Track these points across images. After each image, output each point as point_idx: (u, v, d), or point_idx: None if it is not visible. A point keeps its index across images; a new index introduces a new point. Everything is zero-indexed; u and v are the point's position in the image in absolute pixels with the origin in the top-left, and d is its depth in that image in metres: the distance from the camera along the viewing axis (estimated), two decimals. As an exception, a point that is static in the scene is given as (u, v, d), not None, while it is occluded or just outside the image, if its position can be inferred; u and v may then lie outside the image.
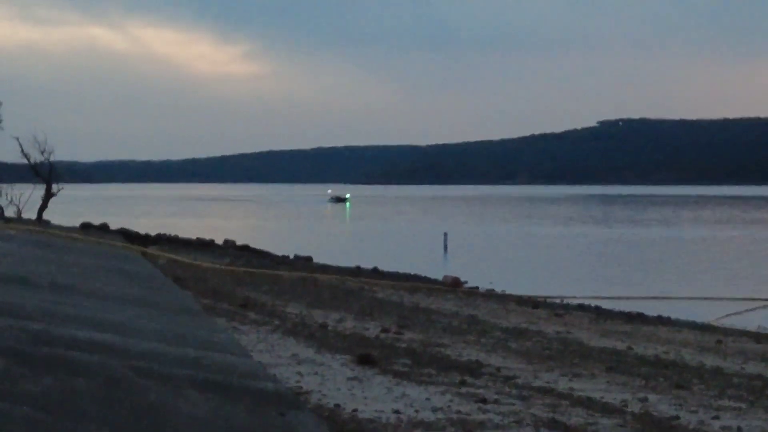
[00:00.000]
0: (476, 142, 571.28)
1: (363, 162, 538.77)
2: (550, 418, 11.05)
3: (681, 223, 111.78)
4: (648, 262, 59.81)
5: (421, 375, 13.84)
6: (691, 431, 10.99)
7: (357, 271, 41.78)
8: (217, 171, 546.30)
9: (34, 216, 54.85)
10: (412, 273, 42.90)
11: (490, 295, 35.28)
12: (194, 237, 55.10)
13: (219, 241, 54.18)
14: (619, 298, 36.89)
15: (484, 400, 11.97)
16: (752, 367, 18.43)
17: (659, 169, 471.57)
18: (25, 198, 55.29)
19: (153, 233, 55.85)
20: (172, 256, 38.54)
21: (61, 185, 57.89)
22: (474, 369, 15.10)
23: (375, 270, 43.65)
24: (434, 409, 11.20)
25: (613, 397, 13.27)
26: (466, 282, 38.50)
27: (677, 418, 11.82)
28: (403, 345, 17.64)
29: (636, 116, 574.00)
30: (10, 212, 53.63)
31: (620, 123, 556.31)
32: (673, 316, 30.84)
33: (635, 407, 12.48)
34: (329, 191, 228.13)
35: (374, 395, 11.94)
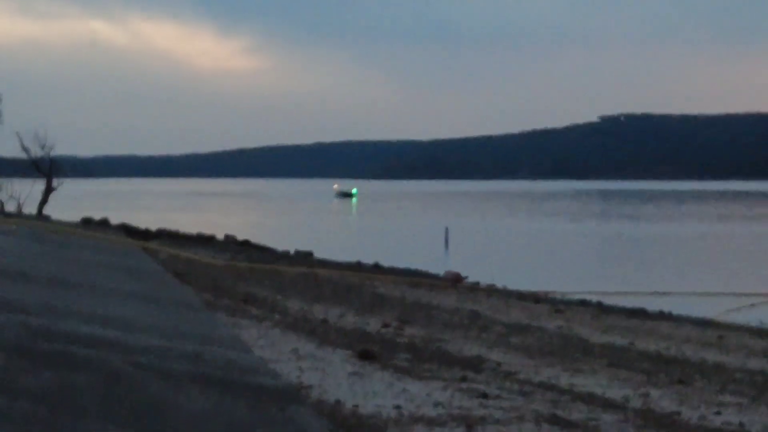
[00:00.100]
0: (477, 138, 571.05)
1: (363, 157, 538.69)
2: (552, 413, 11.03)
3: (682, 219, 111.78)
4: (649, 257, 59.81)
5: (422, 370, 13.82)
6: (693, 427, 10.97)
7: (358, 267, 41.76)
8: (218, 166, 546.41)
9: (34, 211, 54.88)
10: (413, 268, 42.86)
11: (492, 290, 35.26)
12: (195, 232, 55.08)
13: (220, 236, 54.17)
14: (620, 293, 36.86)
15: (485, 396, 11.95)
16: (754, 363, 18.42)
17: (661, 164, 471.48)
18: (26, 193, 55.32)
19: (154, 228, 55.78)
20: (173, 251, 38.53)
21: (61, 180, 57.97)
22: (475, 364, 15.09)
23: (376, 265, 43.64)
24: (435, 405, 11.18)
25: (615, 392, 13.26)
26: (467, 277, 38.44)
27: (679, 413, 11.81)
28: (404, 340, 17.63)
29: (637, 111, 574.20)
30: (10, 207, 53.66)
31: (621, 118, 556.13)
32: (675, 311, 30.80)
33: (637, 403, 12.47)
34: (335, 186, 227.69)
35: (375, 390, 11.92)
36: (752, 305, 34.53)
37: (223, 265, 34.87)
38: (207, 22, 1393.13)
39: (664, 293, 37.90)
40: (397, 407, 10.87)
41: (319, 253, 49.47)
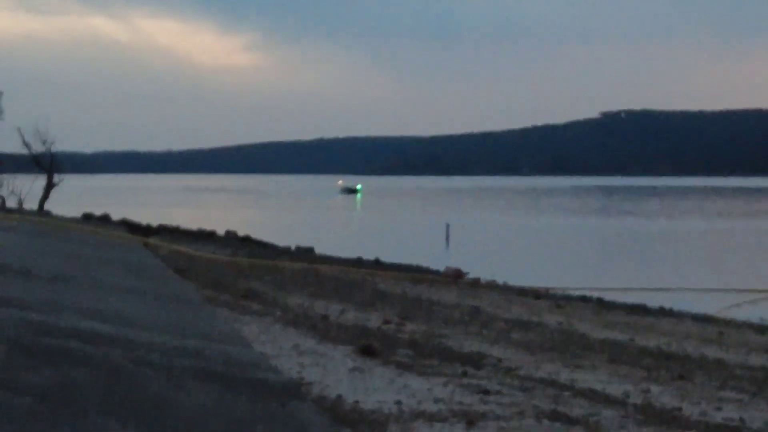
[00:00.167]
0: (478, 134, 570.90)
1: (364, 153, 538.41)
2: (552, 409, 11.04)
3: (683, 215, 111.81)
4: (650, 253, 59.83)
5: (423, 366, 13.83)
6: (693, 422, 10.98)
7: (358, 263, 41.77)
8: (219, 162, 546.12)
9: (35, 206, 54.90)
10: (414, 264, 42.88)
11: (492, 286, 35.27)
12: (196, 228, 55.09)
13: (221, 232, 54.18)
14: (620, 289, 36.88)
15: (486, 392, 11.96)
16: (754, 359, 18.44)
17: (661, 160, 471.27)
18: (27, 189, 55.37)
19: (155, 224, 55.78)
20: (174, 246, 38.54)
21: (62, 176, 58.00)
22: (476, 360, 15.10)
23: (377, 261, 43.66)
24: (436, 400, 11.19)
25: (615, 388, 13.27)
26: (468, 273, 38.47)
27: (679, 409, 11.82)
28: (405, 336, 17.64)
29: (638, 107, 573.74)
30: (11, 203, 53.71)
31: (622, 114, 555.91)
32: (675, 307, 30.82)
33: (637, 398, 12.48)
34: (340, 182, 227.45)
35: (376, 386, 11.93)
36: (753, 301, 34.56)
37: (224, 260, 34.87)
38: (208, 19, 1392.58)
39: (665, 289, 37.92)
40: (398, 403, 10.88)
41: (323, 249, 49.49)
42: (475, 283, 36.03)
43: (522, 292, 32.37)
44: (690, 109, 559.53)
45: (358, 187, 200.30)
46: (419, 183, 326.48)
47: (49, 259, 23.02)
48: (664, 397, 12.77)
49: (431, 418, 10.21)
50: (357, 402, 10.78)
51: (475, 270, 40.47)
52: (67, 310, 13.95)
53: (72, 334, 11.57)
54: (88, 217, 54.50)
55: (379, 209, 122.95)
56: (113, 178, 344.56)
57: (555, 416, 10.62)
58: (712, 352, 18.93)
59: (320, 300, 23.52)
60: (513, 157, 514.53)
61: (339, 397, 10.99)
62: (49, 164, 57.23)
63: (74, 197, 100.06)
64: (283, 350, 14.41)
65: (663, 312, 29.33)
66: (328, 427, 9.09)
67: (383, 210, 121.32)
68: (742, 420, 11.32)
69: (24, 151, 57.37)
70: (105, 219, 54.46)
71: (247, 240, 51.33)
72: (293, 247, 50.20)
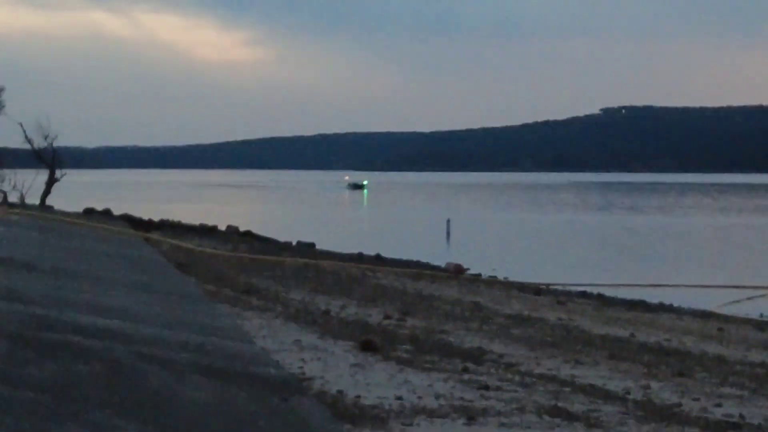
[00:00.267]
0: (479, 129, 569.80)
1: (365, 149, 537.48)
2: (553, 405, 11.07)
3: (683, 211, 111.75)
4: (650, 249, 59.81)
5: (424, 362, 13.86)
6: (693, 419, 11.00)
7: (359, 258, 41.79)
8: (220, 157, 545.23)
9: (37, 201, 54.89)
10: (415, 260, 42.90)
11: (493, 281, 35.30)
12: (197, 223, 55.10)
13: (223, 226, 54.19)
14: (621, 285, 36.87)
15: (486, 387, 11.99)
16: (754, 355, 18.45)
17: (662, 156, 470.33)
18: (29, 183, 55.34)
19: (156, 219, 55.81)
20: (176, 241, 38.57)
21: (64, 171, 57.96)
22: (476, 356, 15.12)
23: (377, 257, 43.68)
24: (437, 396, 11.22)
25: (616, 384, 13.29)
26: (468, 269, 38.49)
27: (679, 405, 11.84)
28: (406, 332, 17.66)
29: (639, 104, 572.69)
30: (13, 198, 53.69)
31: (623, 110, 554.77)
32: (675, 303, 30.85)
33: (637, 394, 12.50)
34: (346, 178, 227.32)
35: (377, 381, 11.96)
36: (752, 297, 34.55)
37: (225, 256, 34.90)
38: (209, 14, 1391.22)
39: (665, 285, 37.89)
40: (399, 398, 10.91)
41: (325, 245, 49.52)
42: (476, 278, 36.06)
43: (522, 288, 32.38)
44: (691, 105, 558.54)
45: (365, 182, 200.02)
46: (420, 179, 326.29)
47: (51, 254, 23.06)
48: (664, 393, 12.79)
49: (432, 413, 10.24)
50: (358, 397, 10.81)
51: (475, 266, 40.49)
52: (69, 304, 13.99)
53: (74, 328, 11.60)
54: (89, 212, 54.53)
55: (386, 205, 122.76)
56: (115, 173, 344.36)
57: (555, 412, 10.66)
58: (712, 349, 18.95)
59: (321, 295, 23.54)
60: (514, 152, 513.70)
61: (340, 392, 11.03)
62: (50, 159, 57.18)
63: (76, 192, 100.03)
64: (284, 345, 14.45)
65: (663, 308, 29.36)
66: (329, 422, 9.12)
67: (390, 205, 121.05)
68: (742, 416, 11.34)
69: (26, 146, 57.32)
70: (107, 214, 54.48)
71: (248, 235, 51.33)
72: (294, 243, 50.25)
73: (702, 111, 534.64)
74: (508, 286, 33.57)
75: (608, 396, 12.17)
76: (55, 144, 57.42)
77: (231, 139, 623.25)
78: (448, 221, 67.26)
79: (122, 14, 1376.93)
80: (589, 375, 13.98)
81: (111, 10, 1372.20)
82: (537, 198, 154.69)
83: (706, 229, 78.69)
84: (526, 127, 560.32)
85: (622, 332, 20.94)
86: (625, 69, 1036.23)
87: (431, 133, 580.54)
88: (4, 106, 57.50)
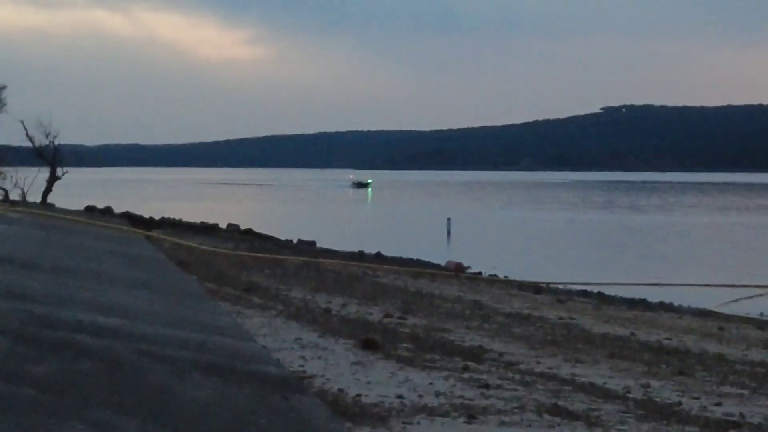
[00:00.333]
0: (480, 128, 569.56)
1: (366, 147, 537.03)
2: (553, 403, 11.08)
3: (683, 210, 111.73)
4: (650, 248, 59.81)
5: (425, 360, 13.87)
6: (694, 417, 11.01)
7: (360, 256, 41.82)
8: (221, 155, 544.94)
9: (38, 199, 54.96)
10: (415, 258, 42.93)
11: (493, 280, 35.32)
12: (198, 221, 55.16)
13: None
14: (621, 284, 36.89)
15: (486, 386, 12.00)
16: (754, 354, 18.46)
17: (663, 155, 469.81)
18: (30, 181, 55.44)
19: (157, 217, 55.87)
20: (176, 239, 38.60)
21: (65, 168, 58.03)
22: (477, 354, 15.14)
23: (378, 255, 43.72)
24: (437, 394, 11.23)
25: (616, 383, 13.30)
26: (469, 267, 38.52)
27: (679, 404, 11.85)
28: (407, 330, 17.68)
29: (640, 103, 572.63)
30: (14, 195, 53.75)
31: (624, 109, 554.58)
32: (676, 302, 30.88)
33: (637, 393, 12.52)
34: (351, 176, 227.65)
35: (378, 380, 11.97)
36: (753, 296, 34.55)
37: (226, 254, 34.92)
38: (210, 12, 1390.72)
39: (665, 284, 37.91)
40: (400, 397, 10.92)
41: (326, 243, 49.57)
42: (476, 277, 36.09)
43: (523, 287, 32.40)
44: (691, 104, 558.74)
45: (369, 181, 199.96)
46: (421, 177, 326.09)
47: (52, 252, 23.07)
48: (664, 392, 12.80)
49: (432, 412, 10.25)
50: (359, 395, 10.82)
51: (476, 264, 40.51)
52: (70, 302, 14.01)
53: (75, 326, 11.62)
54: (90, 210, 54.56)
55: (390, 204, 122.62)
56: (116, 171, 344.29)
57: (556, 411, 10.66)
58: (712, 348, 18.96)
59: (322, 293, 23.57)
60: (514, 151, 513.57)
61: (341, 390, 11.04)
62: (52, 157, 57.27)
63: (77, 190, 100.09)
64: (285, 343, 14.46)
65: (663, 307, 29.38)
66: (330, 420, 9.13)
67: (395, 204, 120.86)
68: (742, 415, 11.34)
69: (27, 144, 57.45)
70: (107, 212, 54.51)
71: (249, 233, 51.38)
72: (295, 241, 50.28)
73: (702, 110, 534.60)
74: (509, 284, 33.60)
75: (608, 395, 12.18)
76: (57, 142, 57.56)
77: (231, 137, 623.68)
78: (449, 220, 67.26)
79: (123, 13, 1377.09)
80: (590, 374, 14.00)
81: (112, 9, 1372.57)
82: (537, 197, 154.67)
83: (707, 228, 78.68)
84: (526, 126, 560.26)
85: (623, 331, 20.95)
86: (625, 68, 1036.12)
87: (432, 131, 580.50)
88: (5, 104, 57.63)
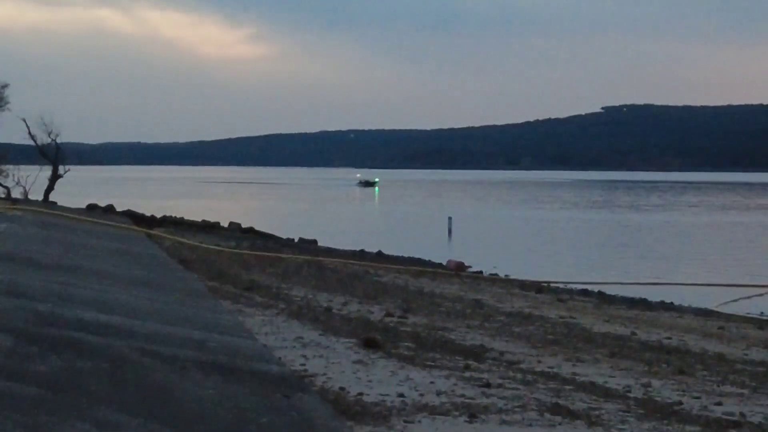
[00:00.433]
0: (481, 127, 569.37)
1: (367, 146, 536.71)
2: (554, 402, 11.10)
3: (684, 209, 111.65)
4: (651, 247, 59.78)
5: (426, 359, 13.90)
6: (694, 417, 11.03)
7: (361, 255, 41.83)
8: (222, 154, 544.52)
9: (40, 197, 54.99)
10: (416, 257, 42.94)
11: (494, 279, 35.33)
12: (200, 219, 55.19)
13: (225, 223, 54.26)
14: (622, 283, 36.89)
15: (488, 385, 12.02)
16: (755, 354, 18.47)
17: (664, 155, 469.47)
18: (32, 179, 55.48)
19: (159, 215, 55.92)
20: (178, 237, 38.63)
21: (67, 167, 58.08)
22: (478, 353, 15.17)
23: (379, 254, 43.73)
24: (438, 393, 11.26)
25: (617, 382, 13.32)
26: (470, 266, 38.54)
27: (680, 403, 11.87)
28: (408, 329, 17.70)
29: (640, 102, 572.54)
30: (16, 193, 53.82)
31: (625, 109, 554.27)
32: (676, 301, 30.88)
33: (638, 392, 12.53)
34: (358, 175, 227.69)
35: (379, 379, 12.00)
36: (753, 296, 34.54)
37: (227, 252, 34.95)
38: (213, 11, 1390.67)
39: (666, 284, 37.92)
40: (401, 395, 10.94)
41: (328, 242, 49.58)
42: (477, 276, 36.09)
43: (524, 286, 32.40)
44: (692, 103, 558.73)
45: (376, 180, 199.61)
46: (422, 176, 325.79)
47: (54, 250, 23.09)
48: (664, 391, 12.82)
49: (434, 410, 10.28)
50: (360, 394, 10.84)
51: (477, 263, 40.53)
52: (72, 300, 14.02)
53: (77, 324, 11.64)
54: (92, 208, 54.62)
55: (398, 202, 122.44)
56: (118, 169, 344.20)
57: (556, 410, 10.69)
58: (712, 347, 18.97)
59: (323, 292, 23.60)
60: (515, 150, 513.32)
61: (342, 389, 11.06)
62: (54, 155, 57.32)
63: (79, 188, 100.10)
64: (286, 342, 14.50)
65: (664, 306, 29.38)
66: (332, 419, 9.15)
67: (402, 203, 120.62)
68: (742, 415, 11.36)
69: (29, 142, 57.53)
70: (109, 210, 54.59)
71: (250, 232, 51.41)
72: (297, 240, 50.29)
73: (703, 110, 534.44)
74: (510, 283, 33.60)
75: (609, 394, 12.20)
76: (58, 140, 57.60)
77: (233, 136, 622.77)
78: (450, 219, 67.24)
79: (125, 11, 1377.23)
80: (590, 373, 14.01)
81: (114, 7, 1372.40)
82: (538, 196, 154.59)
83: (707, 228, 78.66)
84: (527, 125, 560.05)
85: (623, 330, 20.96)
86: (626, 67, 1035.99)
87: (433, 130, 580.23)
88: (8, 103, 57.66)
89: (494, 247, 56.89)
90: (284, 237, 51.25)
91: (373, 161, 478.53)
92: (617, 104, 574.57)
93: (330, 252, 42.65)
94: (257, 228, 53.46)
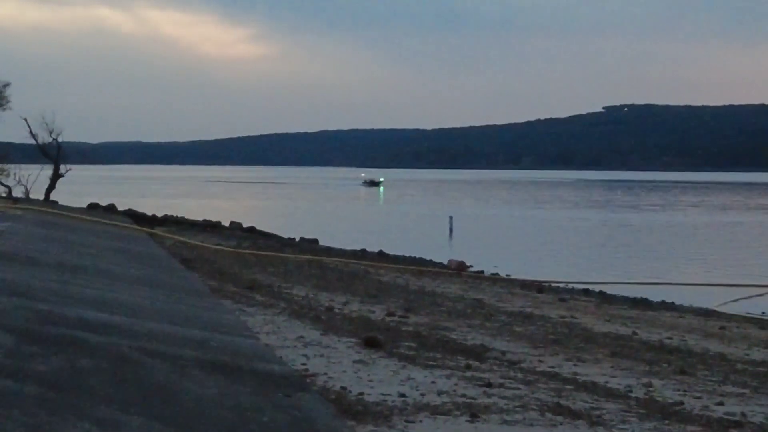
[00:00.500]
0: (481, 126, 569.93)
1: (368, 146, 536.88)
2: (555, 402, 11.10)
3: (685, 209, 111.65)
4: (652, 247, 59.78)
5: (427, 359, 13.90)
6: (695, 417, 11.03)
7: (362, 254, 41.83)
8: (223, 153, 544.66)
9: (41, 196, 55.03)
10: (418, 256, 42.95)
11: (495, 279, 35.32)
12: (201, 219, 55.20)
13: (226, 222, 54.26)
14: (623, 283, 36.88)
15: (489, 384, 12.02)
16: (756, 353, 18.46)
17: (664, 154, 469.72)
18: (33, 178, 55.50)
19: (160, 214, 55.94)
20: (179, 237, 38.64)
21: (68, 166, 58.13)
22: (479, 353, 15.17)
23: (380, 253, 43.73)
24: (440, 393, 11.26)
25: (618, 382, 13.32)
26: (471, 266, 38.53)
27: (681, 403, 11.86)
28: (409, 328, 17.70)
29: (641, 102, 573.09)
30: (17, 192, 53.81)
31: (626, 109, 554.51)
32: (677, 301, 30.86)
33: (639, 392, 12.53)
34: (362, 175, 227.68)
35: (380, 378, 12.00)
36: (754, 296, 34.54)
37: (229, 251, 34.96)
38: (213, 9, 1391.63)
39: (667, 283, 37.91)
40: (402, 395, 10.94)
41: (329, 241, 49.57)
42: (479, 275, 36.09)
43: (525, 285, 32.40)
44: (693, 103, 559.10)
45: (381, 180, 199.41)
46: (423, 175, 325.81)
47: (55, 249, 23.10)
48: (666, 391, 12.82)
49: (435, 410, 10.28)
50: (361, 394, 10.84)
51: (478, 262, 40.51)
52: (74, 299, 14.03)
53: (78, 323, 11.65)
54: (93, 207, 54.65)
55: (402, 202, 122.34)
56: (119, 168, 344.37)
57: (558, 410, 10.69)
58: (714, 347, 18.96)
59: (324, 291, 23.61)
60: (516, 150, 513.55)
61: (343, 388, 11.06)
62: (55, 154, 57.38)
63: (80, 187, 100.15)
64: (287, 341, 14.50)
65: (665, 306, 29.37)
66: (333, 418, 9.15)
67: (407, 203, 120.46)
68: (743, 414, 11.35)
69: (30, 141, 57.60)
70: (111, 209, 54.62)
71: (251, 231, 51.41)
72: (298, 239, 50.29)
73: (704, 109, 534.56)
74: (511, 283, 33.60)
75: (610, 394, 12.20)
76: (60, 139, 57.64)
77: (233, 135, 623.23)
78: (451, 218, 67.24)
79: (126, 10, 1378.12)
80: (591, 373, 14.01)
81: (115, 6, 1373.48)
82: (539, 195, 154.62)
83: (708, 227, 78.65)
84: (528, 125, 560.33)
85: (624, 330, 20.96)
86: (627, 67, 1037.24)
87: (433, 130, 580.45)
88: (9, 102, 57.69)
89: (495, 246, 56.88)
90: (286, 236, 51.24)
91: (374, 161, 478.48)
92: (618, 104, 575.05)
93: (331, 251, 42.66)
94: (258, 227, 53.46)
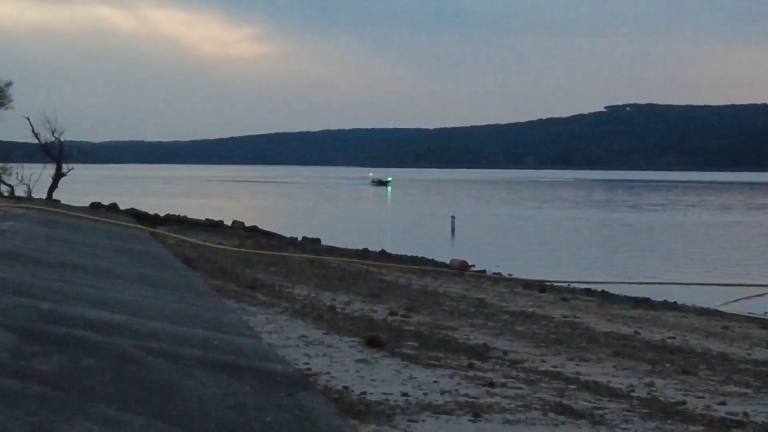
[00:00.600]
0: (483, 126, 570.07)
1: (370, 145, 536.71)
2: (557, 402, 11.10)
3: (687, 208, 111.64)
4: (654, 246, 59.77)
5: (429, 358, 13.90)
6: (698, 416, 11.02)
7: (364, 254, 41.83)
8: (225, 152, 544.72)
9: (44, 195, 55.06)
10: (420, 256, 42.96)
11: (498, 278, 35.31)
12: (203, 218, 55.21)
13: (229, 222, 54.25)
14: (625, 282, 36.87)
15: (491, 384, 12.02)
16: (758, 353, 18.44)
17: (666, 154, 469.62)
18: (36, 177, 55.57)
19: (162, 214, 55.95)
20: (182, 236, 38.64)
21: (71, 165, 58.20)
22: (481, 352, 15.16)
23: (382, 252, 43.72)
24: (442, 392, 11.25)
25: (620, 381, 13.31)
26: (473, 265, 38.52)
27: (684, 403, 11.86)
28: (411, 328, 17.69)
29: (643, 101, 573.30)
30: (20, 191, 53.87)
31: (627, 108, 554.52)
32: (679, 301, 30.84)
33: (642, 392, 12.52)
34: (370, 174, 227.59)
35: (382, 377, 12.00)
36: (756, 296, 34.52)
37: (231, 251, 34.95)
38: (214, 9, 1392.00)
39: (669, 283, 37.90)
40: (405, 395, 10.94)
41: (331, 240, 49.58)
42: (481, 275, 36.08)
43: (527, 285, 32.40)
44: (695, 103, 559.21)
45: (389, 179, 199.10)
46: (425, 175, 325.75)
47: (58, 248, 23.11)
48: (668, 390, 12.81)
49: (437, 410, 10.28)
50: (364, 393, 10.84)
51: (480, 262, 40.51)
52: (76, 298, 14.03)
53: (81, 322, 11.65)
54: (96, 206, 54.67)
55: (411, 202, 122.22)
56: (121, 167, 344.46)
57: (560, 409, 10.69)
58: (716, 346, 18.95)
59: (326, 291, 23.60)
60: (518, 150, 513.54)
61: (346, 388, 11.06)
62: (57, 153, 57.43)
63: (82, 186, 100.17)
64: (289, 341, 14.50)
65: (667, 306, 29.35)
66: (336, 417, 9.15)
67: (415, 203, 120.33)
68: (746, 414, 11.35)
69: (33, 140, 57.67)
70: (113, 208, 54.62)
71: (254, 230, 51.41)
72: (300, 238, 50.29)
73: (706, 109, 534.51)
74: (513, 282, 33.59)
75: (613, 393, 12.20)
76: (62, 138, 57.69)
77: (235, 134, 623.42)
78: (453, 218, 67.25)
79: (127, 9, 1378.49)
80: (594, 372, 14.01)
81: (116, 5, 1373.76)
82: (541, 195, 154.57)
83: (710, 227, 78.63)
84: (530, 125, 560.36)
85: (627, 330, 20.95)
86: (629, 67, 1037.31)
87: (435, 129, 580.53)
88: (11, 101, 57.75)
89: (497, 246, 56.88)
90: (288, 236, 51.24)
91: (375, 160, 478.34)
92: (620, 104, 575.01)
93: (334, 251, 42.66)
94: (261, 227, 53.47)
